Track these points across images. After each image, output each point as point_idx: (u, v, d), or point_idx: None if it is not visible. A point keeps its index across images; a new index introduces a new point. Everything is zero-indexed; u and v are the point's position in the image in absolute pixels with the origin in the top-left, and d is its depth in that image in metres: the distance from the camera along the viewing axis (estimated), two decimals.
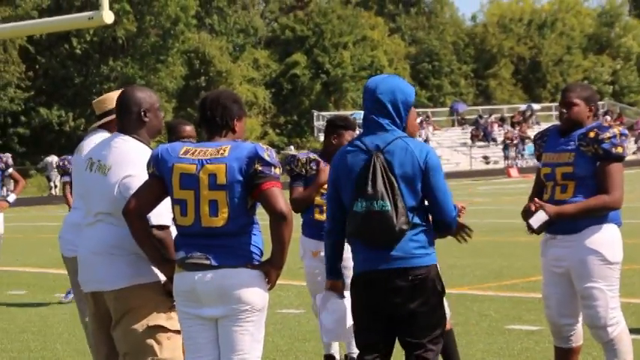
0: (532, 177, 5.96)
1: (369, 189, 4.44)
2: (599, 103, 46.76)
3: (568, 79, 58.87)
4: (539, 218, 5.41)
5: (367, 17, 59.08)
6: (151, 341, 4.77)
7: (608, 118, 51.27)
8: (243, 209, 4.45)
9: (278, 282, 4.64)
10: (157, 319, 4.79)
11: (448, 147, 47.89)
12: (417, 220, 4.49)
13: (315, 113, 51.01)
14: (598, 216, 5.46)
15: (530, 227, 5.44)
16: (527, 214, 5.47)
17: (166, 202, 4.62)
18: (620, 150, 5.44)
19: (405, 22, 62.32)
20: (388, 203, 4.41)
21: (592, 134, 5.45)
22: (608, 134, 5.43)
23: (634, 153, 49.94)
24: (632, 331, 6.07)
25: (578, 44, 62.89)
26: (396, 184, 4.44)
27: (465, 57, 60.90)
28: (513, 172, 43.64)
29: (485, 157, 47.77)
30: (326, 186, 6.68)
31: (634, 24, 65.38)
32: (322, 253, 6.91)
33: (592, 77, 60.24)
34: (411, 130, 6.27)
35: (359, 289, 4.61)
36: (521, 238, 15.29)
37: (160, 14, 49.25)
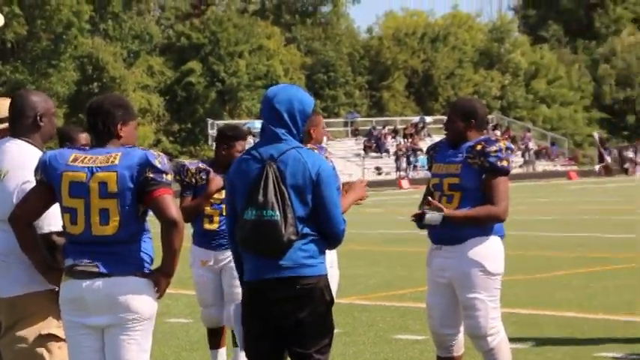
0: (423, 188, 6.09)
1: (260, 198, 4.47)
2: (489, 117, 47.37)
3: (459, 92, 59.86)
4: (434, 217, 5.55)
5: (263, 27, 59.11)
6: (41, 350, 4.72)
7: (498, 132, 52.36)
8: (134, 217, 4.44)
9: (167, 291, 4.64)
10: (50, 327, 4.75)
11: (341, 157, 48.21)
12: (306, 230, 4.52)
13: (210, 121, 50.80)
14: (483, 227, 5.60)
15: (422, 221, 5.58)
16: (418, 216, 5.60)
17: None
18: (505, 163, 5.59)
19: (301, 32, 62.55)
20: (277, 213, 4.44)
21: (479, 147, 5.60)
22: (494, 148, 5.58)
23: (520, 166, 51.09)
24: (511, 340, 6.25)
25: (470, 59, 64.00)
26: (286, 194, 4.47)
27: (359, 69, 61.40)
28: (405, 183, 44.20)
29: (378, 168, 48.25)
30: (216, 196, 6.72)
31: (523, 40, 66.85)
32: (211, 263, 6.94)
33: (482, 91, 61.35)
34: (318, 139, 6.36)
35: (248, 297, 4.64)
36: (411, 249, 15.54)
37: (51, 18, 48.43)
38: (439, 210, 5.53)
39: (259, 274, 4.57)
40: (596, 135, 55.98)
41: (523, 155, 52.65)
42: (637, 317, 9.21)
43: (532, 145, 53.91)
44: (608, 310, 9.61)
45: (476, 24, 67.85)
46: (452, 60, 62.68)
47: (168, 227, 4.42)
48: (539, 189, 38.81)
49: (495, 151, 5.56)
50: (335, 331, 4.70)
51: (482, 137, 5.68)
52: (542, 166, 53.12)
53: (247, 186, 4.54)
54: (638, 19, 71.76)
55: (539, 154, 54.45)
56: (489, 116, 57.54)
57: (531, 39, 67.94)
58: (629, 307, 9.81)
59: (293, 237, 4.47)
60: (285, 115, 4.56)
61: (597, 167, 51.75)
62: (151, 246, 4.55)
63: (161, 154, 4.59)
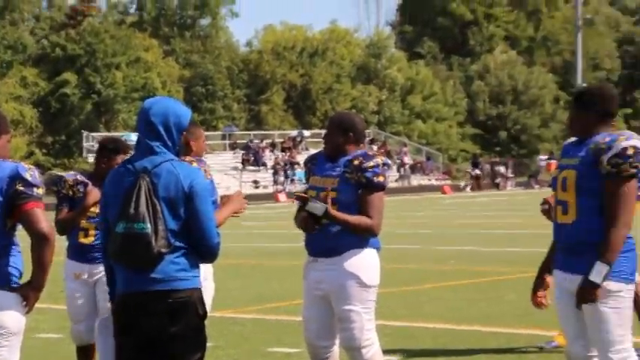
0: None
1: (132, 210, 4.43)
2: (366, 131, 48.13)
3: (337, 107, 60.36)
4: (316, 206, 5.59)
5: (141, 39, 58.56)
6: None
7: (374, 147, 52.99)
8: (3, 230, 4.37)
9: (37, 305, 4.57)
10: None
11: (219, 171, 48.08)
12: (179, 243, 4.49)
13: (85, 133, 50.02)
14: (358, 237, 5.67)
15: (305, 205, 5.63)
16: (303, 199, 5.68)
17: None
18: (382, 179, 5.67)
19: (179, 45, 62.18)
20: (149, 225, 4.41)
21: (357, 162, 5.66)
22: (371, 163, 5.65)
23: (396, 181, 51.83)
24: (386, 352, 6.34)
25: (348, 73, 64.62)
26: (159, 207, 4.44)
27: (238, 82, 61.36)
28: (282, 196, 44.36)
29: (255, 182, 48.29)
30: (92, 209, 6.64)
31: (399, 56, 67.85)
32: (85, 276, 6.84)
33: (359, 106, 61.99)
34: (198, 152, 6.34)
35: (119, 311, 4.59)
36: (286, 262, 15.60)
37: None
38: (324, 203, 5.59)
39: (130, 287, 4.52)
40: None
41: (399, 170, 53.43)
42: (505, 328, 9.45)
43: (408, 159, 54.76)
44: (478, 322, 9.83)
45: (354, 39, 68.56)
46: (330, 74, 63.18)
47: (39, 241, 4.35)
48: (414, 203, 39.44)
49: (372, 167, 5.64)
50: (208, 344, 4.69)
51: (360, 152, 5.75)
52: (417, 180, 54.00)
53: (120, 198, 4.50)
54: (510, 37, 73.67)
55: (414, 169, 55.35)
56: (367, 130, 58.21)
57: (408, 55, 69.03)
58: (488, 318, 10.06)
59: (164, 250, 4.44)
60: (161, 128, 4.53)
61: (463, 184, 52.86)
62: (20, 260, 4.48)
63: (32, 167, 4.53)
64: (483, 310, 10.67)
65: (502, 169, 55.95)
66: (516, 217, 27.61)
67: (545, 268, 5.40)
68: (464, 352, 8.29)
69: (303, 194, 5.75)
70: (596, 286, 4.87)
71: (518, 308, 10.72)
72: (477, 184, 53.07)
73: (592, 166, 4.96)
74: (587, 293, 4.90)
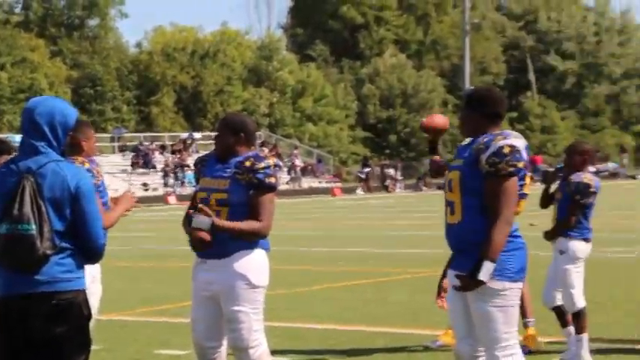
0: None
1: (15, 211, 4.36)
2: (257, 133, 47.50)
3: (228, 109, 60.15)
4: (203, 221, 5.58)
5: (27, 39, 57.41)
6: None
7: (265, 149, 53.01)
8: None
9: None
10: None
11: (108, 173, 47.47)
12: (64, 244, 4.44)
13: None
14: (248, 240, 5.69)
15: (191, 225, 5.61)
16: (189, 218, 5.65)
17: None
18: (273, 180, 5.69)
19: (67, 45, 61.16)
20: (33, 226, 4.35)
21: (248, 163, 5.67)
22: (262, 164, 5.66)
23: (287, 183, 51.94)
24: (274, 352, 6.36)
25: (239, 76, 64.49)
26: (44, 208, 4.38)
27: (128, 83, 60.65)
28: (172, 199, 44.05)
29: (145, 184, 47.79)
30: None
31: (290, 59, 68.00)
32: None
33: (251, 108, 61.91)
34: (89, 152, 6.26)
35: (1, 313, 4.48)
36: (176, 264, 15.50)
37: None
38: (208, 216, 5.58)
39: (14, 289, 4.44)
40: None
41: (289, 172, 53.53)
42: (392, 328, 9.57)
43: (299, 162, 54.91)
44: (367, 322, 9.94)
45: (245, 41, 68.46)
46: (221, 76, 62.95)
47: None
48: (305, 205, 39.58)
49: (264, 168, 5.65)
50: (94, 347, 4.65)
51: (251, 153, 5.75)
52: (308, 182, 54.19)
53: (3, 200, 4.42)
54: (399, 41, 74.52)
55: (305, 171, 55.52)
56: (257, 133, 58.21)
57: (299, 57, 69.24)
58: (376, 318, 10.18)
59: (49, 251, 4.38)
60: (46, 128, 4.47)
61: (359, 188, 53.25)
62: None
63: None
64: (372, 311, 10.78)
65: (391, 171, 56.55)
66: (405, 219, 27.96)
67: (446, 271, 5.51)
68: (352, 351, 8.38)
69: (188, 211, 5.73)
70: (481, 283, 4.97)
71: (406, 308, 10.89)
72: (366, 186, 53.53)
73: (474, 166, 5.07)
74: (469, 286, 5.01)
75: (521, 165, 5.03)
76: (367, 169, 55.15)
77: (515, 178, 5.03)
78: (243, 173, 5.64)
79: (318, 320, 10.14)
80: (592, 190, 7.59)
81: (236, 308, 5.65)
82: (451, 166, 5.26)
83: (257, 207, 5.64)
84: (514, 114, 74.06)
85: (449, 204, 5.17)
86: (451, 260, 5.36)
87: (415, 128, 68.44)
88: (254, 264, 5.70)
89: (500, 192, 4.99)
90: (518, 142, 5.06)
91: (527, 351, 7.97)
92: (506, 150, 5.00)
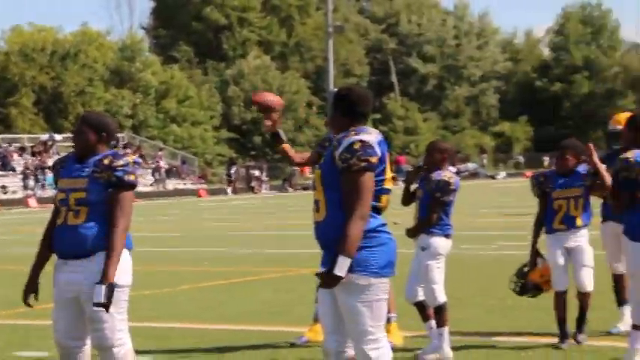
0: (51, 206, 5.97)
1: None
2: (121, 135, 47.03)
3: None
4: (99, 292, 5.50)
5: None
6: None
7: (129, 151, 52.37)
8: None
9: None
10: None
11: None
12: None
13: None
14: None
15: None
16: None
17: None
18: (132, 177, 5.63)
19: None
20: None
21: (107, 161, 5.59)
22: (121, 162, 5.59)
23: (151, 185, 51.45)
24: (139, 352, 6.31)
25: (100, 77, 63.56)
26: None
27: None
28: (32, 201, 43.11)
29: (4, 187, 46.61)
30: None
31: (153, 60, 67.37)
32: None
33: (113, 110, 61.10)
34: None
35: None
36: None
37: None
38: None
39: None
40: None
41: (154, 174, 53.04)
42: (258, 326, 9.60)
43: (163, 163, 54.45)
44: (232, 321, 9.94)
45: (107, 42, 67.50)
46: (82, 78, 61.92)
47: None
48: (170, 207, 39.27)
49: (123, 165, 5.59)
50: None
51: (109, 151, 5.69)
52: (173, 184, 53.78)
53: None
54: (263, 42, 74.67)
55: (170, 173, 55.09)
56: (121, 134, 57.46)
57: (162, 59, 68.65)
58: (242, 316, 10.21)
59: None
60: None
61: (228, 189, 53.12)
62: None
63: None
64: (238, 309, 10.79)
65: (257, 172, 56.65)
66: (270, 219, 28.05)
67: None
68: (216, 349, 8.36)
69: None
70: (339, 278, 5.02)
71: (272, 306, 10.93)
72: (233, 187, 53.46)
73: (331, 163, 5.13)
74: (329, 283, 5.06)
75: (373, 160, 5.07)
76: (233, 170, 55.04)
77: (369, 174, 5.07)
78: (102, 171, 5.57)
79: (182, 320, 10.09)
80: (452, 187, 7.77)
81: (98, 308, 5.58)
82: (319, 165, 5.32)
83: (116, 205, 5.56)
84: (377, 115, 75.15)
85: (315, 202, 5.22)
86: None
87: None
88: None
89: (354, 187, 5.05)
90: (370, 137, 5.12)
91: (390, 345, 8.12)
92: (357, 145, 5.06)
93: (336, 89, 5.70)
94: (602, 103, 78.32)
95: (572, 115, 79.43)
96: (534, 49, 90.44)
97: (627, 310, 8.23)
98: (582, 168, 8.07)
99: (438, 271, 7.81)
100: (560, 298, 8.16)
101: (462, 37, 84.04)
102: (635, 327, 7.09)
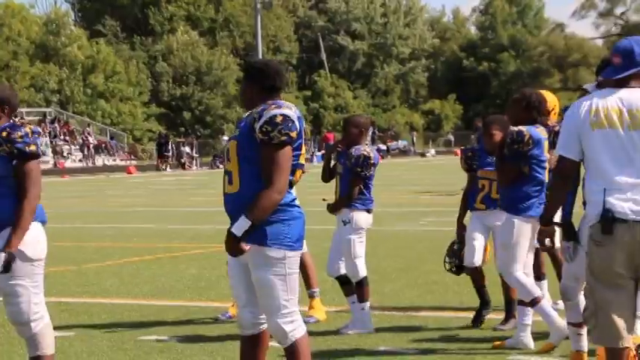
0: None
1: None
2: (48, 110, 46.23)
3: (15, 85, 58.30)
4: None
5: None
6: None
7: (56, 126, 51.74)
8: None
9: None
10: None
11: None
12: None
13: None
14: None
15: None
16: None
17: None
18: (33, 148, 5.55)
19: None
20: None
21: (4, 134, 5.51)
22: (20, 133, 5.51)
23: (80, 161, 50.95)
24: (60, 327, 6.30)
25: (25, 51, 62.55)
26: None
27: None
28: None
29: None
30: None
31: (79, 34, 66.41)
32: None
33: (39, 85, 60.25)
34: None
35: None
36: None
37: None
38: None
39: None
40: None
41: (82, 150, 52.50)
42: (184, 302, 9.62)
43: (92, 139, 53.92)
44: (158, 296, 9.94)
45: (31, 15, 66.40)
46: (6, 52, 60.88)
47: None
48: (99, 183, 38.94)
49: (21, 137, 5.51)
50: None
51: (6, 124, 5.61)
52: (102, 160, 53.29)
53: None
54: (191, 18, 74.03)
55: (98, 149, 54.58)
56: (48, 109, 56.71)
57: (88, 33, 67.75)
58: (169, 292, 10.23)
59: None
60: None
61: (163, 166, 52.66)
62: None
63: None
64: (163, 285, 10.78)
65: (187, 149, 56.36)
66: (199, 196, 27.99)
67: None
68: (140, 324, 8.36)
69: None
70: (237, 238, 5.06)
71: (198, 282, 10.95)
72: (165, 163, 53.11)
73: (250, 135, 5.16)
74: (230, 244, 5.10)
75: (293, 134, 5.12)
76: (165, 146, 54.54)
77: (288, 147, 5.12)
78: (2, 144, 5.50)
79: (107, 295, 10.05)
80: (372, 161, 7.83)
81: (13, 282, 5.53)
82: (230, 137, 5.34)
83: (23, 176, 5.49)
84: (308, 92, 75.15)
85: (228, 174, 5.23)
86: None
87: (210, 106, 68.41)
88: (29, 237, 5.53)
89: (273, 160, 5.09)
90: (291, 111, 5.17)
91: (314, 320, 8.19)
92: (279, 119, 5.10)
93: (249, 61, 5.70)
94: (528, 82, 79.18)
95: (500, 93, 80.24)
96: (462, 28, 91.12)
97: (544, 285, 8.36)
98: None
99: (359, 245, 7.89)
100: (475, 272, 8.09)
101: (391, 14, 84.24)
102: (520, 302, 7.18)
